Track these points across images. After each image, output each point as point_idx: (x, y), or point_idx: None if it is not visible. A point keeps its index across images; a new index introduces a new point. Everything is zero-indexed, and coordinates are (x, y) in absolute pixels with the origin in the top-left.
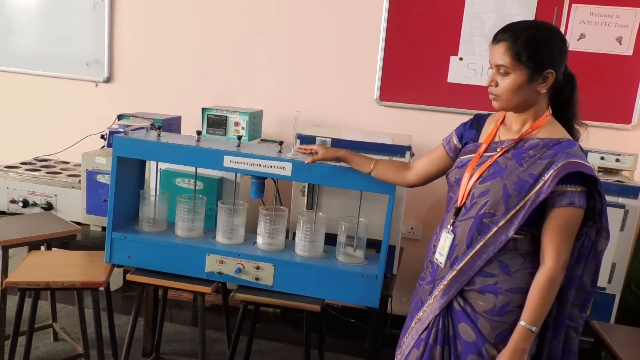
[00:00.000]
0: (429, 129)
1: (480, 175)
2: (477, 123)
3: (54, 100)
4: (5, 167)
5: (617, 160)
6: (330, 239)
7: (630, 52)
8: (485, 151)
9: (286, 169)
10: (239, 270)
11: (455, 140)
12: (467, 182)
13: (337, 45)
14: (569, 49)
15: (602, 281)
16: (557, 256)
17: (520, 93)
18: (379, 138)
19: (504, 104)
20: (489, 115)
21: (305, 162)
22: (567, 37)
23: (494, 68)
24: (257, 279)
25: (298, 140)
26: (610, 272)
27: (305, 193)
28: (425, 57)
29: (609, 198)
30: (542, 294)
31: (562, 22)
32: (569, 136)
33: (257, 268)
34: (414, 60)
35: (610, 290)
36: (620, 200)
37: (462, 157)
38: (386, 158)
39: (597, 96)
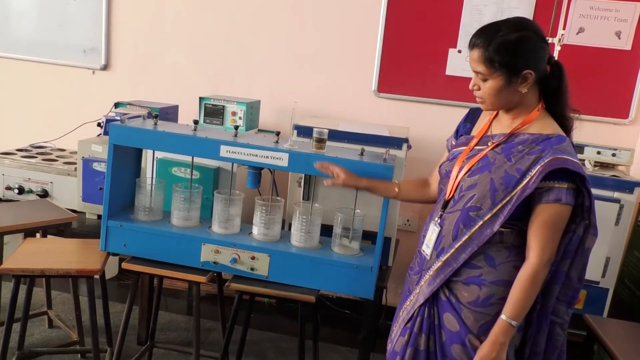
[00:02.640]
0: (427, 121)
1: (470, 169)
2: (471, 117)
3: (51, 87)
4: (1, 153)
5: (614, 155)
6: (326, 230)
7: (628, 47)
8: (476, 145)
9: (283, 160)
10: (234, 260)
11: (453, 141)
12: (456, 175)
13: (336, 36)
14: (568, 42)
15: (595, 275)
16: (541, 252)
17: (502, 95)
18: (376, 130)
19: (490, 106)
20: None
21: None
22: (566, 31)
23: (474, 73)
24: (252, 269)
25: (295, 131)
26: (604, 266)
27: (302, 184)
28: (424, 49)
29: (604, 192)
30: (524, 289)
31: (561, 15)
32: (560, 131)
33: (253, 258)
34: (413, 52)
35: (603, 284)
36: (616, 194)
37: (454, 150)
38: (383, 150)
39: (595, 90)
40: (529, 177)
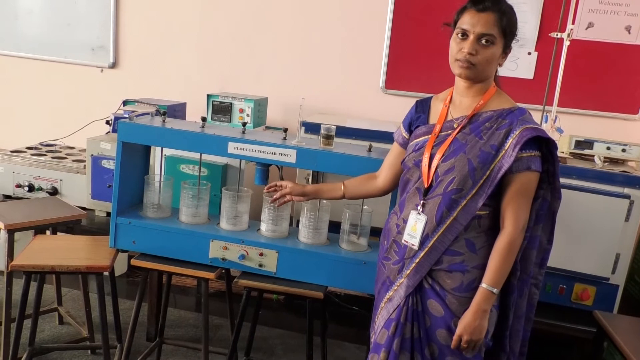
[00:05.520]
0: None
1: (443, 154)
2: (422, 107)
3: (60, 86)
4: (11, 151)
5: (624, 150)
6: (334, 227)
7: (639, 42)
8: (440, 131)
9: (291, 156)
10: (242, 257)
11: (404, 134)
12: (428, 162)
13: (344, 32)
14: (576, 38)
15: (605, 271)
16: (516, 220)
17: (493, 64)
18: (383, 126)
19: (477, 74)
20: (431, 97)
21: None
22: (575, 26)
23: (474, 36)
24: (260, 265)
25: (303, 128)
26: (614, 263)
27: (310, 180)
28: (432, 45)
29: (614, 188)
30: (502, 257)
31: (570, 10)
32: (517, 105)
33: (261, 255)
34: (420, 48)
35: (613, 280)
36: (626, 190)
37: (416, 140)
38: (390, 146)
39: (604, 86)
40: (504, 150)
